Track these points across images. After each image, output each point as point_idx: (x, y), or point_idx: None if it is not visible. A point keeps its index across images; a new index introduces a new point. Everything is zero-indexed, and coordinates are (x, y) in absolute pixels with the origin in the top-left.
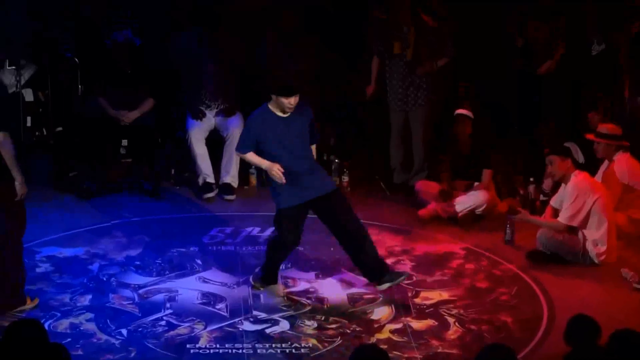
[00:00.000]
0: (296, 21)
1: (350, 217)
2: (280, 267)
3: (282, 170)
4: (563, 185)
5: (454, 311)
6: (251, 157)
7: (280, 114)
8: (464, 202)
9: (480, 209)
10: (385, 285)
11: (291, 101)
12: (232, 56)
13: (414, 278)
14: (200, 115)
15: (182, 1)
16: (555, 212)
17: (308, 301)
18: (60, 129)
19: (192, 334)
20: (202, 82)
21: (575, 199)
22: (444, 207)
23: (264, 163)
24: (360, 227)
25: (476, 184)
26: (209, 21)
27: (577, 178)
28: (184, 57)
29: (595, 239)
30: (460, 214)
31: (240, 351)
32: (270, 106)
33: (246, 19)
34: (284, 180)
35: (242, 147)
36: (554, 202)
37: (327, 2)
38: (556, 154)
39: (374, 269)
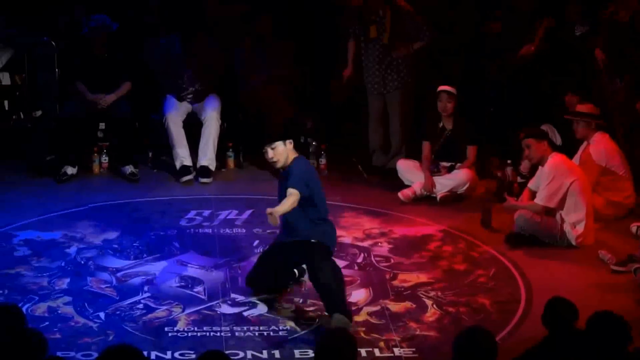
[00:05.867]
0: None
1: None
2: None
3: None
4: (540, 167)
5: (432, 293)
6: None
7: None
8: (445, 184)
9: (463, 189)
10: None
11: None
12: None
13: (392, 260)
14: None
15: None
16: (533, 195)
17: None
18: (39, 112)
19: (170, 317)
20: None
21: (552, 180)
22: (425, 187)
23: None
24: None
25: (459, 165)
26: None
27: (554, 160)
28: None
29: (573, 221)
30: (440, 195)
31: (218, 334)
32: None
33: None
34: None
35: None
36: (531, 184)
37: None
38: (532, 137)
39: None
